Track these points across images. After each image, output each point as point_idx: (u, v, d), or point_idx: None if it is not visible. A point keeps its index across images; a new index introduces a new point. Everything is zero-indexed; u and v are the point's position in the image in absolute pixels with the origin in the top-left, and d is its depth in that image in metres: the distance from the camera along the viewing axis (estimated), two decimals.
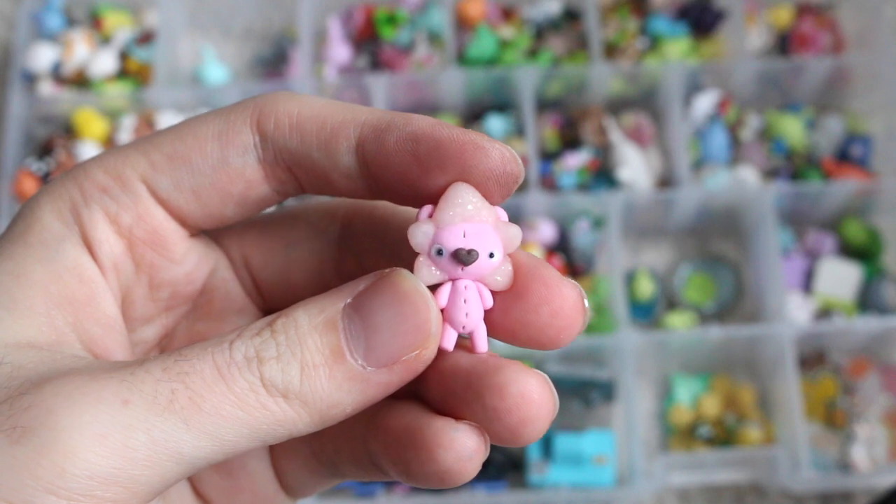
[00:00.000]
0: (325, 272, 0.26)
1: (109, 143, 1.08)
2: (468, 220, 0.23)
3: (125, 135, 1.07)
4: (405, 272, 0.22)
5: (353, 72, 1.14)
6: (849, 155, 1.10)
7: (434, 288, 0.23)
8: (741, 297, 1.09)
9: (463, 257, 0.22)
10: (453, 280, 0.23)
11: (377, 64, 1.14)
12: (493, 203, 0.24)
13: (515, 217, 1.06)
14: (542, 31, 1.16)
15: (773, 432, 1.00)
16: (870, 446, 0.99)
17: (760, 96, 1.15)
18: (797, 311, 1.02)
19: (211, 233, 0.27)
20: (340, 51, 1.15)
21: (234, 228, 0.27)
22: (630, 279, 1.07)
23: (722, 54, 1.16)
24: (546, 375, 0.24)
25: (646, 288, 1.06)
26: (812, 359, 1.03)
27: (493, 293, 0.24)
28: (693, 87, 1.12)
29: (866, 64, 1.13)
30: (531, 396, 0.23)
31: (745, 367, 1.06)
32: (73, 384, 0.20)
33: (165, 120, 1.08)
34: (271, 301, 0.27)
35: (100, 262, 0.24)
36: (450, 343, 0.23)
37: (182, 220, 0.25)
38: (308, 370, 0.21)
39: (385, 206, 0.25)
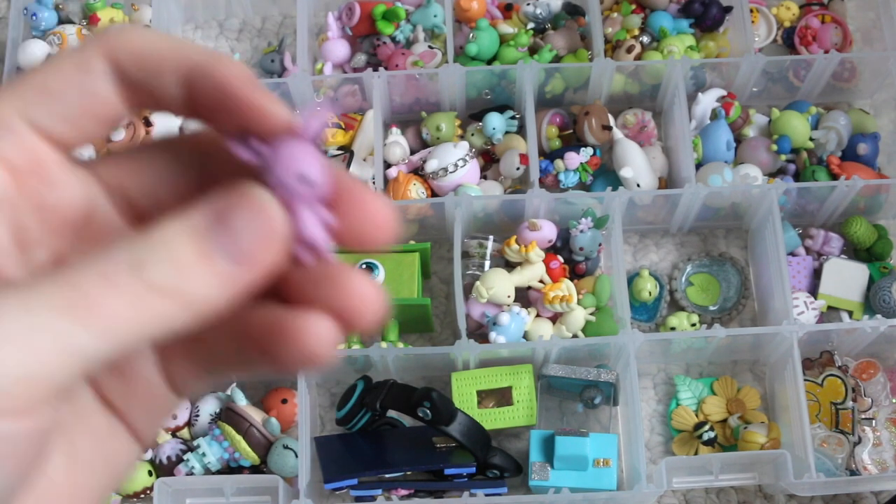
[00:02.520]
0: (190, 191, 0.30)
1: (103, 140, 1.06)
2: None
3: (119, 132, 1.06)
4: (259, 189, 0.26)
5: (351, 69, 1.13)
6: (855, 153, 1.09)
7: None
8: (745, 298, 1.08)
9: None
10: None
11: (376, 61, 1.13)
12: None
13: (515, 217, 1.05)
14: (542, 28, 1.15)
15: (779, 435, 0.99)
16: (877, 449, 0.98)
17: (765, 94, 1.14)
18: (803, 313, 1.01)
19: (87, 165, 0.30)
20: (338, 47, 1.14)
21: (107, 160, 0.31)
22: (632, 279, 1.06)
23: (726, 51, 1.14)
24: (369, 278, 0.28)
25: (648, 288, 1.05)
26: (818, 360, 1.02)
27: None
28: (697, 85, 1.11)
29: (873, 60, 1.12)
30: (365, 289, 0.27)
31: (750, 369, 1.05)
32: None
33: (158, 117, 1.07)
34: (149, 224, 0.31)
35: None
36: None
37: (60, 145, 0.28)
38: (183, 270, 0.25)
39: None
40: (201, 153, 0.30)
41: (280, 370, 0.28)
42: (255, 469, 0.99)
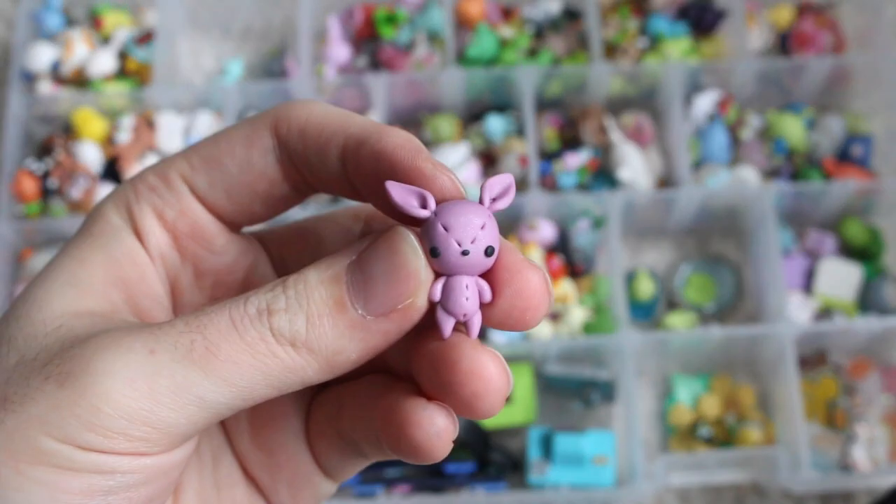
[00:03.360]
0: None
1: (108, 143, 1.07)
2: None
3: (124, 135, 1.07)
4: (402, 229, 0.24)
5: (352, 71, 1.14)
6: (849, 155, 1.10)
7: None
8: (741, 298, 1.09)
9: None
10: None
11: (377, 63, 1.14)
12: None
13: (515, 217, 1.06)
14: (542, 31, 1.16)
15: (774, 432, 1.00)
16: (870, 447, 0.99)
17: (761, 96, 1.15)
18: (797, 312, 1.02)
19: (255, 233, 0.30)
20: (340, 50, 1.15)
21: (275, 230, 0.30)
22: (630, 279, 1.07)
23: (722, 54, 1.15)
24: (498, 353, 0.25)
25: (646, 288, 1.06)
26: (812, 359, 1.03)
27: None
28: (693, 87, 1.12)
29: (867, 64, 1.13)
30: (482, 372, 0.24)
31: (746, 368, 1.06)
32: (111, 338, 0.23)
33: (164, 120, 1.08)
34: None
35: (148, 251, 0.27)
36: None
37: (219, 216, 0.28)
38: (313, 319, 0.24)
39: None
40: (366, 224, 0.29)
41: (400, 458, 0.26)
42: None
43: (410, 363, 0.26)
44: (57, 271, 0.26)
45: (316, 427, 0.28)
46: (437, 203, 0.24)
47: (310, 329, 0.23)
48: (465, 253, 0.24)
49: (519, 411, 0.99)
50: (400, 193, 0.24)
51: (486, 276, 0.25)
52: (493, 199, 0.25)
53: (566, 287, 1.01)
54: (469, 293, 0.24)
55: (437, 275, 0.24)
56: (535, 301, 0.25)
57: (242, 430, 0.28)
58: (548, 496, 0.95)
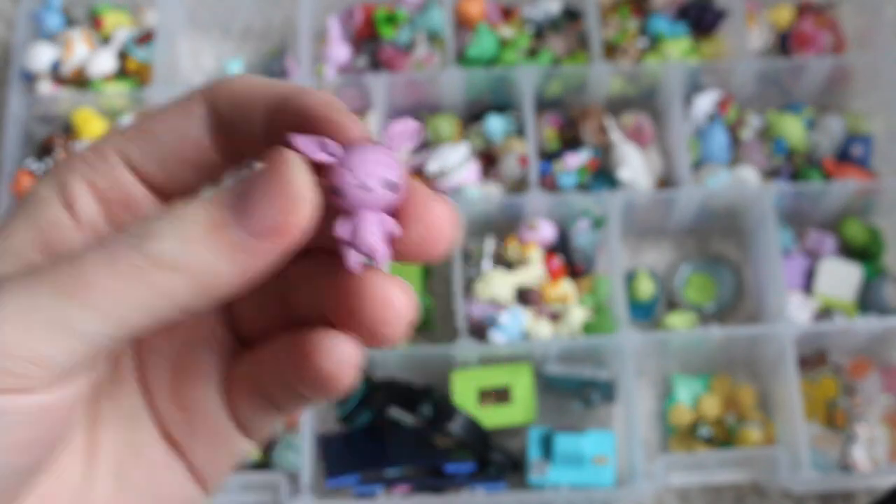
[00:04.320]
0: None
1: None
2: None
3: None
4: (283, 150, 0.24)
5: (352, 71, 1.14)
6: (849, 155, 1.10)
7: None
8: (741, 298, 1.09)
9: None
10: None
11: (377, 64, 1.14)
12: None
13: (515, 217, 1.06)
14: (542, 31, 1.16)
15: (774, 432, 1.00)
16: (870, 446, 0.99)
17: (761, 96, 1.15)
18: (797, 312, 1.02)
19: None
20: (340, 50, 1.15)
21: None
22: (630, 279, 1.07)
23: (722, 54, 1.16)
24: (405, 282, 0.26)
25: (646, 288, 1.06)
26: (812, 359, 1.03)
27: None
28: (693, 87, 1.12)
29: (867, 64, 1.13)
30: (390, 299, 0.25)
31: (746, 368, 1.06)
32: (1, 284, 0.23)
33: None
34: None
35: (77, 219, 0.27)
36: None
37: (152, 186, 0.28)
38: (190, 240, 0.23)
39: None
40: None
41: (309, 395, 0.26)
42: (258, 465, 1.00)
43: (318, 301, 0.27)
44: None
45: (234, 384, 0.28)
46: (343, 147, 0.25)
47: (184, 250, 0.23)
48: (364, 188, 0.24)
49: (519, 411, 0.99)
50: (303, 142, 0.25)
51: (395, 213, 0.25)
52: (394, 140, 0.26)
53: (566, 287, 1.01)
54: (374, 229, 0.25)
55: (345, 214, 0.25)
56: (444, 232, 0.25)
57: (162, 387, 0.28)
58: (548, 496, 0.95)
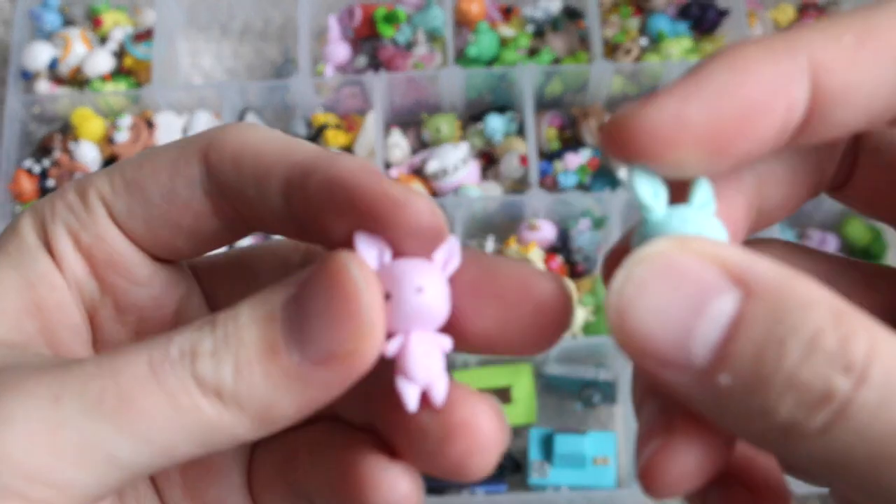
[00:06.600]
0: None
1: (107, 142, 1.07)
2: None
3: (123, 134, 1.06)
4: (345, 253, 0.20)
5: (352, 71, 1.14)
6: None
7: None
8: None
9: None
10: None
11: (377, 63, 1.14)
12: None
13: (515, 217, 1.06)
14: (542, 30, 1.16)
15: None
16: None
17: None
18: None
19: (189, 263, 0.26)
20: (340, 49, 1.14)
21: (208, 259, 0.26)
22: None
23: None
24: (495, 401, 0.22)
25: None
26: None
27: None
28: None
29: None
30: (476, 424, 0.21)
31: None
32: (16, 377, 0.20)
33: (163, 120, 1.08)
34: None
35: (65, 276, 0.24)
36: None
37: (139, 246, 0.24)
38: (242, 367, 0.20)
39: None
40: (304, 255, 0.26)
41: None
42: None
43: (372, 411, 0.23)
44: None
45: (261, 479, 0.25)
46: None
47: (237, 378, 0.20)
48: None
49: (519, 412, 0.99)
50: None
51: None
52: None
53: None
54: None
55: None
56: (554, 316, 0.22)
57: (174, 483, 0.25)
58: (548, 497, 0.95)
